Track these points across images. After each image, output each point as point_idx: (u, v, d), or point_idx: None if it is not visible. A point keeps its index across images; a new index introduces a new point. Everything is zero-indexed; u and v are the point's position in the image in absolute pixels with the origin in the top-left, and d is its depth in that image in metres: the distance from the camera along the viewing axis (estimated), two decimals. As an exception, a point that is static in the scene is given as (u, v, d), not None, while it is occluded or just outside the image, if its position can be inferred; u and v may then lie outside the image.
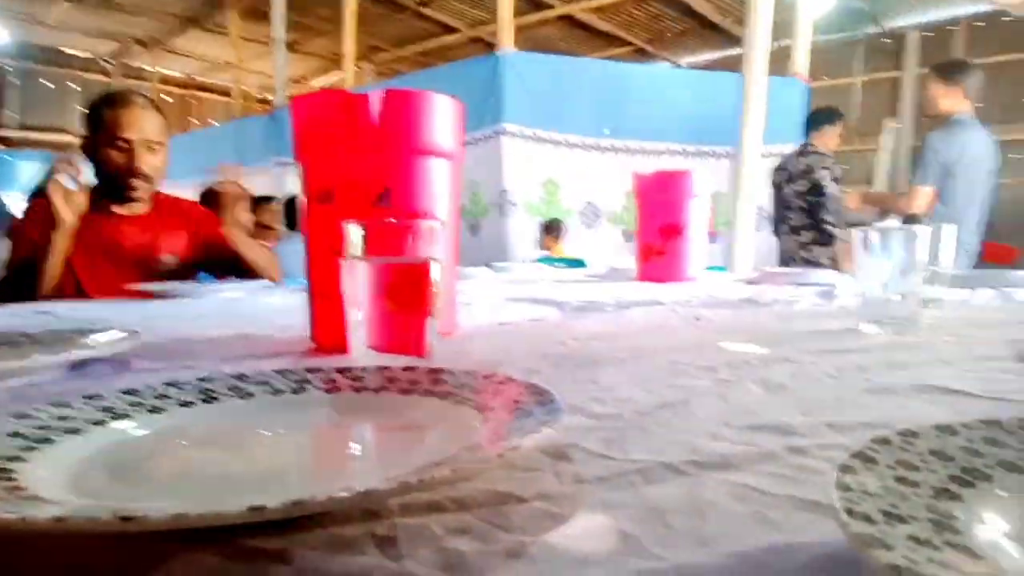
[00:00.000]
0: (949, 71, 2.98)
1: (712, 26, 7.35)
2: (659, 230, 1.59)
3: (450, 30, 7.91)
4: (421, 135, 0.71)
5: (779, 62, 3.77)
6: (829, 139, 3.47)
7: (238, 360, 0.66)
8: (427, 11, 7.40)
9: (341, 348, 0.58)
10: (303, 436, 0.41)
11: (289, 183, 5.59)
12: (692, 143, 4.33)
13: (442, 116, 0.72)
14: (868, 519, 0.21)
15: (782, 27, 3.89)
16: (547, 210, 4.10)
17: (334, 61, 8.63)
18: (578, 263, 3.17)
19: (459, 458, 0.30)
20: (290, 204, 4.03)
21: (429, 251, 0.56)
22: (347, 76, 5.84)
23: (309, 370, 0.47)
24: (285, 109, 5.84)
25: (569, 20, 7.41)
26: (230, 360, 0.66)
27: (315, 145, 0.72)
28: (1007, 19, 5.66)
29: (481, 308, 1.12)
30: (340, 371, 0.47)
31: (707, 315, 0.98)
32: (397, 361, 0.49)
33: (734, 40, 7.05)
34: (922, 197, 2.92)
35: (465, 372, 0.45)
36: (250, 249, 1.79)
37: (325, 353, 0.69)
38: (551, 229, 4.03)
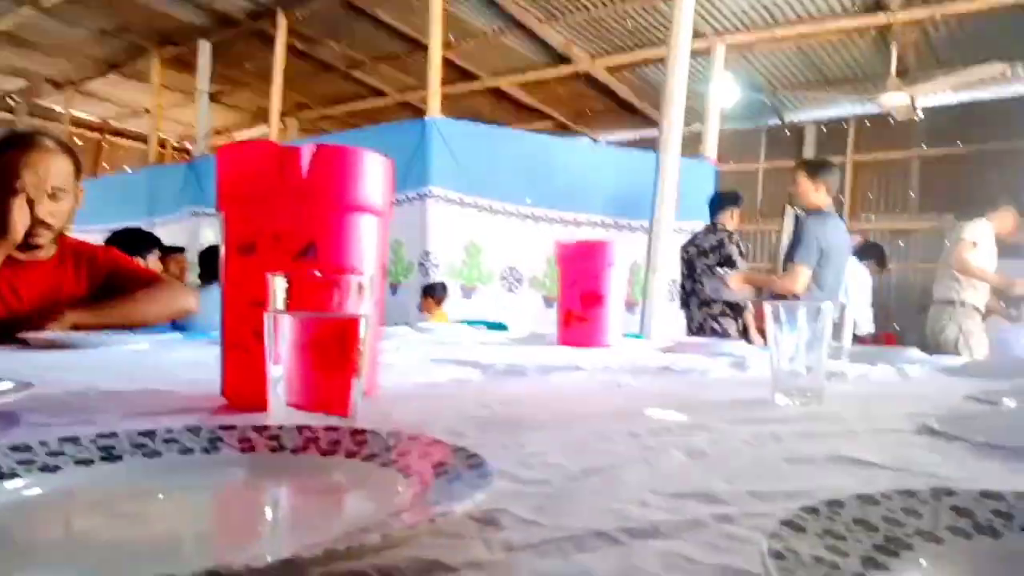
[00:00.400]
0: (816, 168, 3.24)
1: (630, 107, 7.75)
2: (580, 297, 1.62)
3: (378, 93, 8.01)
4: (350, 190, 0.70)
5: (690, 145, 4.01)
6: (731, 219, 3.76)
7: (143, 416, 0.61)
8: (356, 74, 7.48)
9: (257, 405, 0.55)
10: (215, 499, 0.38)
11: (204, 234, 5.40)
12: (610, 215, 4.48)
13: (372, 173, 0.72)
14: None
15: (693, 113, 4.15)
16: (469, 273, 4.12)
17: (258, 115, 8.54)
18: (500, 326, 3.18)
19: (388, 524, 0.28)
20: (207, 255, 3.90)
21: (356, 307, 0.54)
22: (271, 130, 5.79)
23: (222, 427, 0.44)
24: (205, 158, 5.71)
25: (496, 92, 7.64)
26: (133, 416, 0.61)
27: (239, 195, 0.70)
28: (892, 120, 6.24)
29: (404, 368, 1.09)
30: (256, 429, 0.45)
31: (628, 382, 1.00)
32: (318, 420, 0.47)
33: (650, 122, 7.44)
34: (803, 276, 3.07)
35: (390, 433, 0.44)
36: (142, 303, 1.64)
37: (238, 410, 0.65)
38: (432, 292, 3.94)
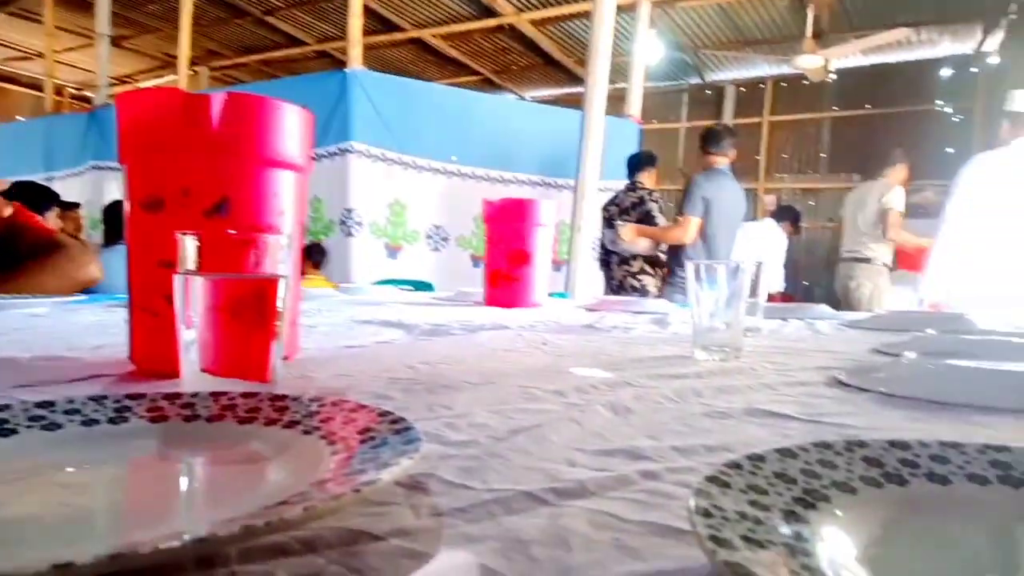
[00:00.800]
0: (709, 141, 3.52)
1: (555, 63, 7.70)
2: (507, 256, 1.62)
3: (296, 42, 7.65)
4: (266, 143, 0.66)
5: (615, 103, 4.03)
6: (649, 178, 3.87)
7: (41, 385, 0.57)
8: (271, 20, 7.11)
9: (169, 371, 0.53)
10: (123, 474, 0.36)
11: (108, 189, 5.08)
12: (537, 173, 4.47)
13: (289, 125, 0.68)
14: (732, 546, 0.21)
15: (618, 71, 4.15)
16: (393, 231, 4.04)
17: (166, 63, 8.03)
18: (426, 286, 3.15)
19: (310, 495, 0.27)
20: (112, 211, 3.67)
21: (274, 267, 0.52)
22: (180, 79, 5.44)
23: (130, 396, 0.42)
24: (107, 108, 5.33)
25: (419, 44, 7.44)
26: (31, 385, 0.57)
27: (143, 146, 0.65)
28: (806, 82, 6.44)
29: (326, 330, 1.07)
30: (168, 397, 0.42)
31: (554, 340, 1.01)
32: (235, 386, 0.45)
33: (576, 79, 7.43)
34: (691, 226, 3.37)
35: (312, 398, 0.42)
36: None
37: (148, 377, 0.62)
38: (308, 254, 3.66)
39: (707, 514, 0.23)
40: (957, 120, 6.86)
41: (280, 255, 0.52)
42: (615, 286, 3.78)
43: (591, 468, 0.38)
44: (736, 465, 0.29)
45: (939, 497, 0.29)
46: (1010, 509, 0.28)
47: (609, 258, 3.83)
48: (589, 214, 3.53)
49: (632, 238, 3.59)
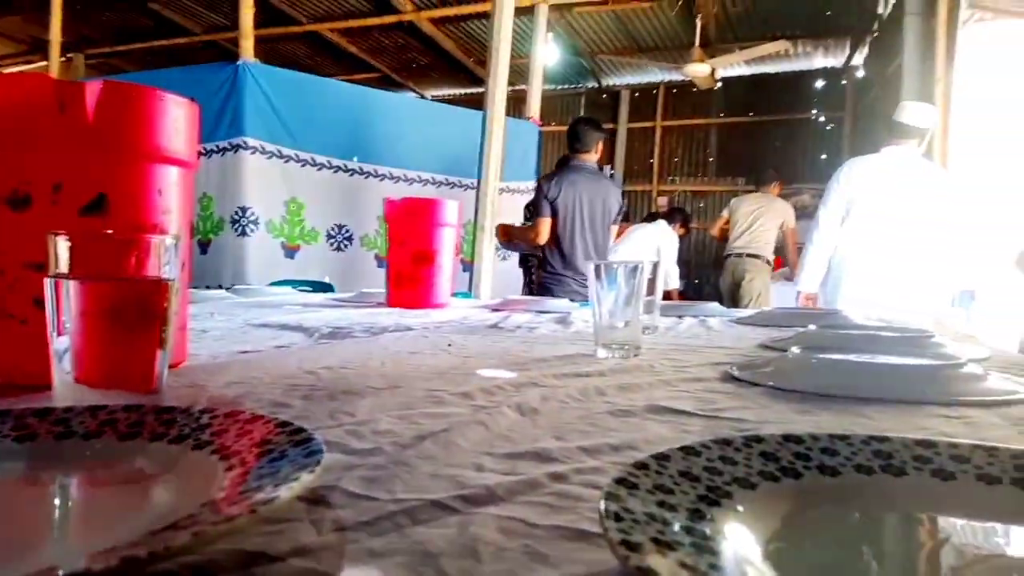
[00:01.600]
0: (575, 138, 3.36)
1: (456, 63, 7.68)
2: (410, 256, 1.60)
3: (182, 31, 7.24)
4: (148, 136, 0.62)
5: (515, 105, 4.07)
6: None
7: None
8: (154, 6, 6.70)
9: (39, 383, 0.48)
10: (-20, 502, 0.32)
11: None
12: (441, 173, 4.44)
13: (174, 117, 0.64)
14: (643, 550, 0.21)
15: (518, 72, 4.19)
16: (291, 231, 3.90)
17: (36, 47, 7.41)
18: (327, 287, 3.06)
19: (202, 517, 0.25)
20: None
21: (158, 269, 0.48)
22: (52, 66, 5.03)
23: (-9, 415, 0.38)
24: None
25: (316, 38, 7.22)
26: None
27: (7, 138, 0.59)
28: (695, 89, 6.73)
29: (219, 335, 1.01)
30: (37, 413, 0.38)
31: (458, 341, 1.00)
32: (116, 399, 0.41)
33: (476, 79, 7.44)
34: (542, 227, 3.29)
35: (203, 410, 0.40)
36: None
37: (15, 392, 0.56)
38: None
39: (617, 518, 0.23)
40: (829, 128, 7.38)
41: (165, 256, 0.49)
42: (535, 288, 3.78)
43: (499, 472, 0.38)
44: (643, 465, 0.29)
45: (830, 488, 0.31)
46: (895, 497, 0.30)
47: (527, 260, 3.84)
48: (491, 214, 3.54)
49: (501, 238, 3.59)
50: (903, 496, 0.30)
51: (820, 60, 7.10)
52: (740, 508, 0.28)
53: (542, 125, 4.91)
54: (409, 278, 1.60)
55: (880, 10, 5.36)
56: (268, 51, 6.54)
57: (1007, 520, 0.29)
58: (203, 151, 3.47)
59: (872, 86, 5.87)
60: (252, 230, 3.70)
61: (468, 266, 3.66)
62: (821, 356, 0.71)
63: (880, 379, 0.63)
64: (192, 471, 0.33)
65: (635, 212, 7.50)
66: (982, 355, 0.85)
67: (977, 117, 3.58)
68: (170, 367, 0.50)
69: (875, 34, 5.90)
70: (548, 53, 5.43)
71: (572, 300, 1.97)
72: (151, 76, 4.55)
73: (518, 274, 3.97)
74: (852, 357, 0.72)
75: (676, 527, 0.24)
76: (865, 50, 6.41)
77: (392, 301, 1.63)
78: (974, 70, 3.56)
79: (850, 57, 6.82)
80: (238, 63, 3.73)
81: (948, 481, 0.31)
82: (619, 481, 0.27)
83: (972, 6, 3.49)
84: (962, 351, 0.80)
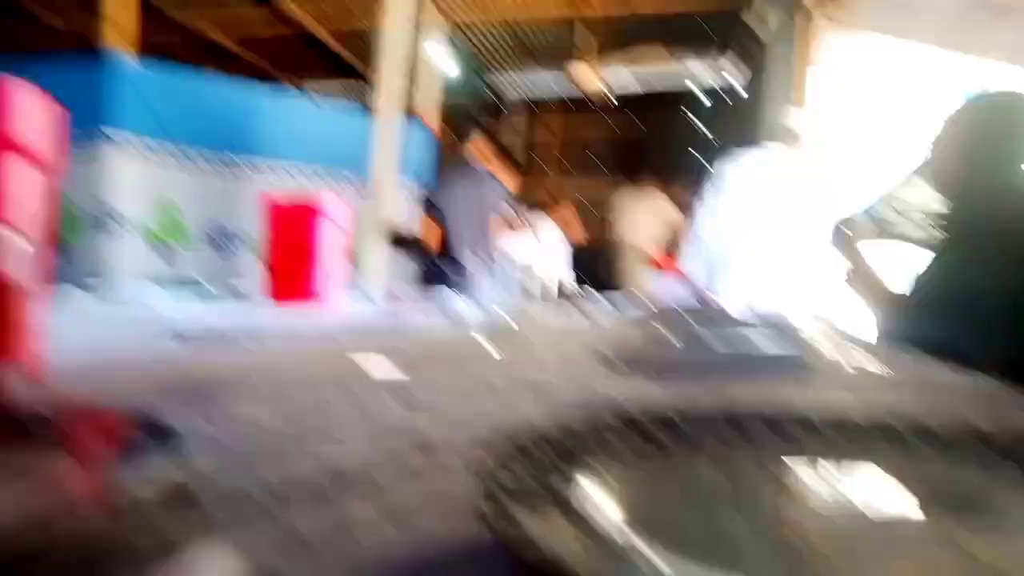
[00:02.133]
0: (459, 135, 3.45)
1: (336, 58, 7.49)
2: (292, 253, 1.56)
3: (35, 18, 6.66)
4: (-5, 127, 0.58)
5: (404, 103, 4.03)
6: None
7: None
8: (1, -11, 6.12)
9: None
10: None
11: None
12: (323, 169, 4.33)
13: (26, 108, 0.60)
14: (517, 521, 0.22)
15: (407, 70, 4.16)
16: (163, 232, 3.69)
17: None
18: (201, 287, 2.91)
19: (51, 520, 0.24)
20: None
21: (8, 270, 0.45)
22: None
23: None
24: None
25: (186, 31, 6.84)
26: None
27: None
28: (586, 99, 6.98)
29: (79, 339, 0.95)
30: None
31: (339, 337, 0.99)
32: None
33: (361, 77, 7.30)
34: (425, 224, 3.31)
35: (55, 410, 0.37)
36: None
37: None
38: None
39: (492, 497, 0.25)
40: (710, 137, 7.85)
41: (19, 257, 0.46)
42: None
43: (378, 460, 0.38)
44: (519, 446, 0.31)
45: (689, 454, 0.34)
46: (747, 460, 0.33)
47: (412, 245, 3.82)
48: (380, 211, 3.50)
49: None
50: (754, 459, 0.34)
51: (700, 71, 7.51)
52: (607, 474, 0.30)
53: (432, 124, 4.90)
54: (290, 275, 1.56)
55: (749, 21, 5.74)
56: (134, 42, 6.14)
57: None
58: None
59: (746, 97, 6.28)
60: (118, 231, 3.47)
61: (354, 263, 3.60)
62: (677, 335, 0.76)
63: (735, 357, 0.68)
64: (40, 471, 0.31)
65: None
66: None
67: (836, 123, 3.89)
68: (23, 373, 0.47)
69: (747, 46, 6.31)
70: (439, 56, 5.41)
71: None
72: (4, 66, 4.17)
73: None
74: (711, 334, 0.77)
75: (548, 500, 0.25)
76: (739, 63, 6.84)
77: (274, 299, 1.58)
78: (833, 78, 3.88)
79: (727, 69, 7.26)
80: (102, 54, 3.49)
81: (791, 443, 0.35)
82: (493, 462, 0.28)
83: (828, 18, 3.80)
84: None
